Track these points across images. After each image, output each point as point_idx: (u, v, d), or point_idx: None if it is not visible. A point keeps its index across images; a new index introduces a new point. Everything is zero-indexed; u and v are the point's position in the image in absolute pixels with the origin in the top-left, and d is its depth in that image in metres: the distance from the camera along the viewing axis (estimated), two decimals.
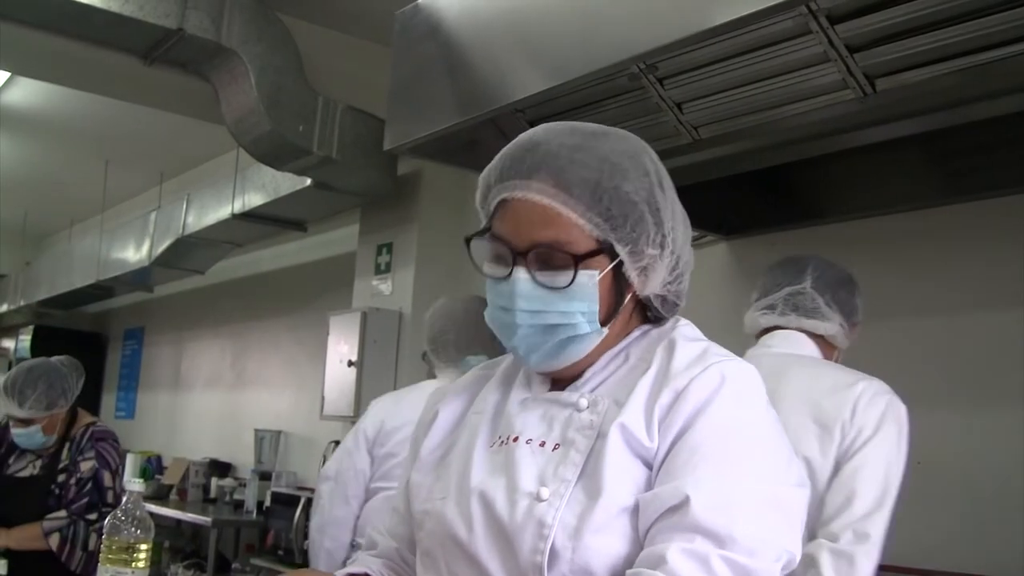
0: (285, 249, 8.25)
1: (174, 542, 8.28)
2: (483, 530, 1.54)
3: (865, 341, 3.62)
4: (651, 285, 1.62)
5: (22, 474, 4.21)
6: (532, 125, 3.57)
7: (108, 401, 11.57)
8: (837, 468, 2.44)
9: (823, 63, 2.81)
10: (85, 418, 4.36)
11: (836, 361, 2.81)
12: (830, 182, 3.75)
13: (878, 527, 2.37)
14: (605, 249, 1.55)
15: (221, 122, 5.50)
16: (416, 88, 3.33)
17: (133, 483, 2.38)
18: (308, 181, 6.00)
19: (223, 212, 7.19)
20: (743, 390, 1.53)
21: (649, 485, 1.47)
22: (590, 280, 1.55)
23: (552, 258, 1.55)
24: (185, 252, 8.14)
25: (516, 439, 1.60)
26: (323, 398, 6.14)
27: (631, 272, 1.59)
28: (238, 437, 8.35)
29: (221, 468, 8.34)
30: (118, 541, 2.30)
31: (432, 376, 3.76)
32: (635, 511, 1.45)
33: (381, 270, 6.20)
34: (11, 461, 4.23)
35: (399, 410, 3.61)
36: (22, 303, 11.38)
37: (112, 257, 9.09)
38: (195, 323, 9.80)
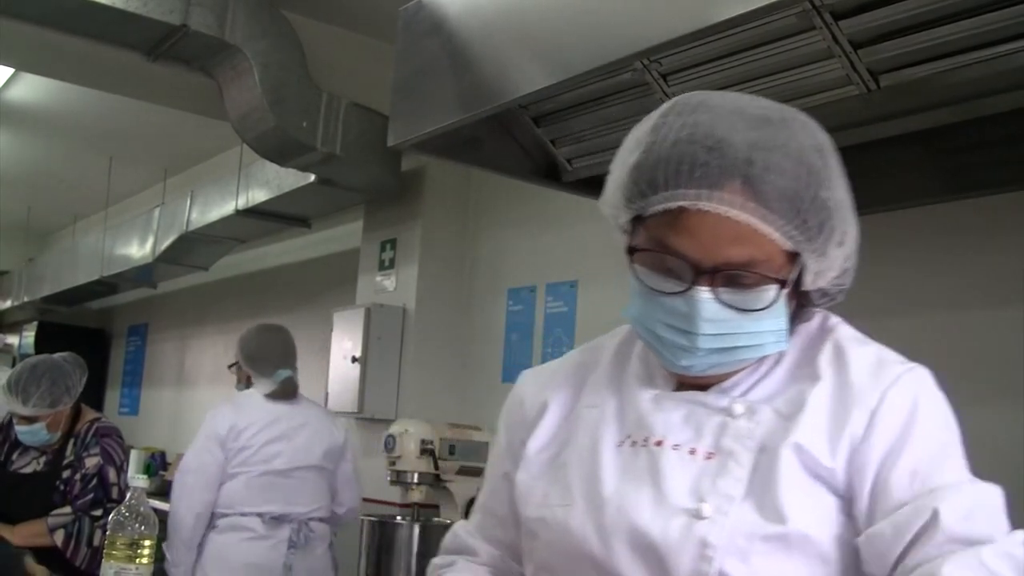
0: (289, 245, 8.25)
1: None
2: (625, 547, 1.37)
3: (870, 337, 3.62)
4: (820, 281, 1.45)
5: (26, 471, 4.21)
6: (536, 121, 3.63)
7: (112, 397, 11.58)
8: None
9: (827, 59, 2.81)
10: (89, 414, 4.37)
11: None
12: None
13: None
14: (794, 260, 1.40)
15: (225, 118, 5.50)
16: (419, 84, 3.33)
17: (137, 479, 2.39)
18: (312, 177, 6.00)
19: (227, 208, 7.19)
20: (933, 395, 1.43)
21: (840, 512, 1.36)
22: (781, 296, 1.40)
23: (742, 276, 1.37)
24: (189, 248, 8.14)
25: (660, 443, 1.42)
26: (327, 394, 6.14)
27: (809, 274, 1.43)
28: None
29: None
30: (122, 537, 2.31)
31: (250, 385, 5.01)
32: (817, 542, 1.33)
33: (385, 266, 6.20)
34: (15, 458, 4.24)
35: (243, 413, 4.70)
36: (26, 299, 11.38)
37: (116, 253, 9.09)
38: (199, 319, 9.80)
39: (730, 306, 1.37)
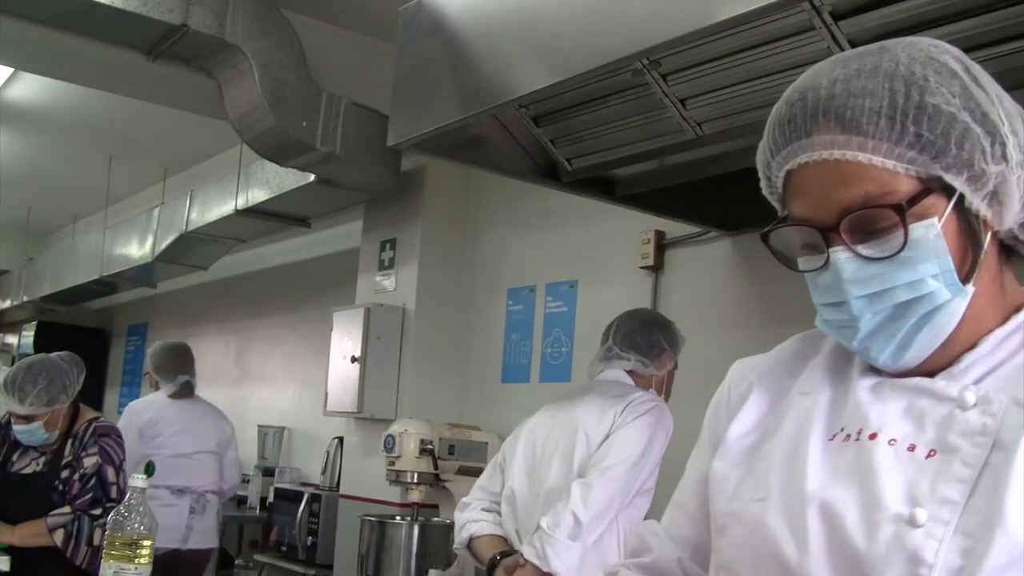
0: (289, 245, 8.25)
1: None
2: (823, 554, 1.18)
3: None
4: (1010, 212, 1.23)
5: (26, 471, 4.20)
6: (535, 121, 3.63)
7: (111, 397, 11.59)
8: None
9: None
10: (87, 414, 4.36)
11: (659, 382, 3.63)
12: None
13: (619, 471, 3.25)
14: (935, 187, 1.20)
15: (225, 118, 5.50)
16: (419, 84, 3.33)
17: (136, 479, 2.39)
18: (312, 177, 6.00)
19: (227, 208, 7.19)
20: None
21: None
22: (930, 231, 1.19)
23: (872, 221, 1.20)
24: (188, 248, 8.15)
25: (874, 436, 1.21)
26: (327, 394, 6.15)
27: (978, 205, 1.21)
28: (242, 433, 8.32)
29: None
30: (121, 537, 2.31)
31: (157, 388, 6.05)
32: None
33: (385, 266, 6.20)
34: (15, 458, 4.23)
35: (155, 410, 5.81)
36: (25, 299, 11.39)
37: (115, 253, 9.09)
38: (198, 319, 9.81)
39: (872, 259, 1.21)
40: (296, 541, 6.15)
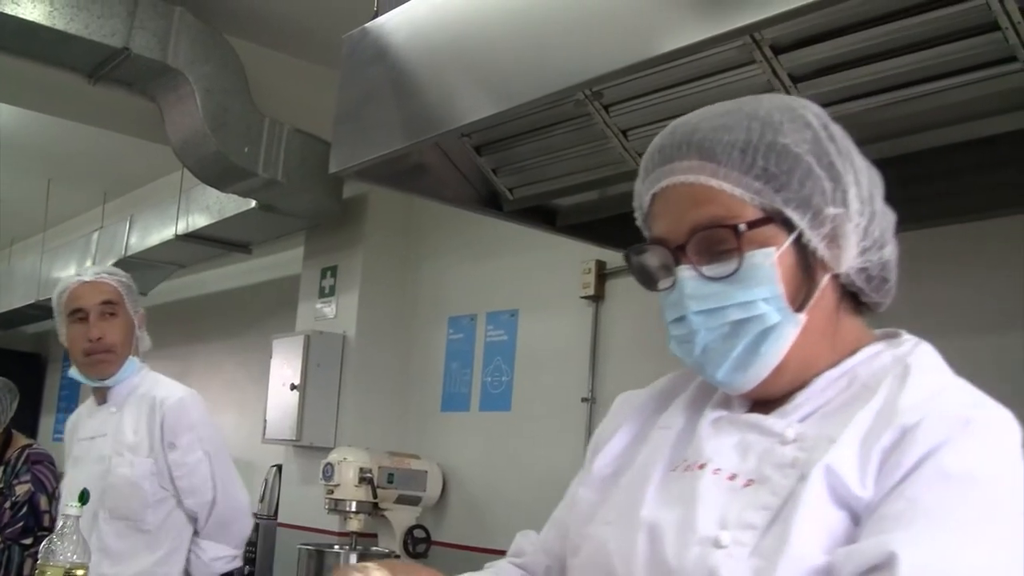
0: (229, 271, 8.20)
1: None
2: (644, 571, 1.30)
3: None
4: (846, 256, 1.34)
5: None
6: (478, 150, 3.64)
7: (47, 423, 11.43)
8: None
9: (767, 93, 2.84)
10: (20, 440, 4.31)
11: None
12: None
13: None
14: (776, 219, 1.32)
15: (166, 142, 5.47)
16: (362, 111, 3.33)
17: (70, 507, 2.35)
18: (253, 203, 5.98)
19: (167, 233, 7.15)
20: (993, 439, 1.21)
21: (850, 541, 1.19)
22: (766, 259, 1.30)
23: (716, 243, 1.32)
24: (128, 273, 8.06)
25: (702, 466, 1.34)
26: (265, 421, 6.11)
27: (816, 242, 1.33)
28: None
29: None
30: (53, 567, 2.27)
31: None
32: (827, 572, 1.17)
33: (325, 293, 6.18)
34: None
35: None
36: None
37: (53, 277, 8.98)
38: None
39: (712, 277, 1.32)
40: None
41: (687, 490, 1.33)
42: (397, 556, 4.91)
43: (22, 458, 4.19)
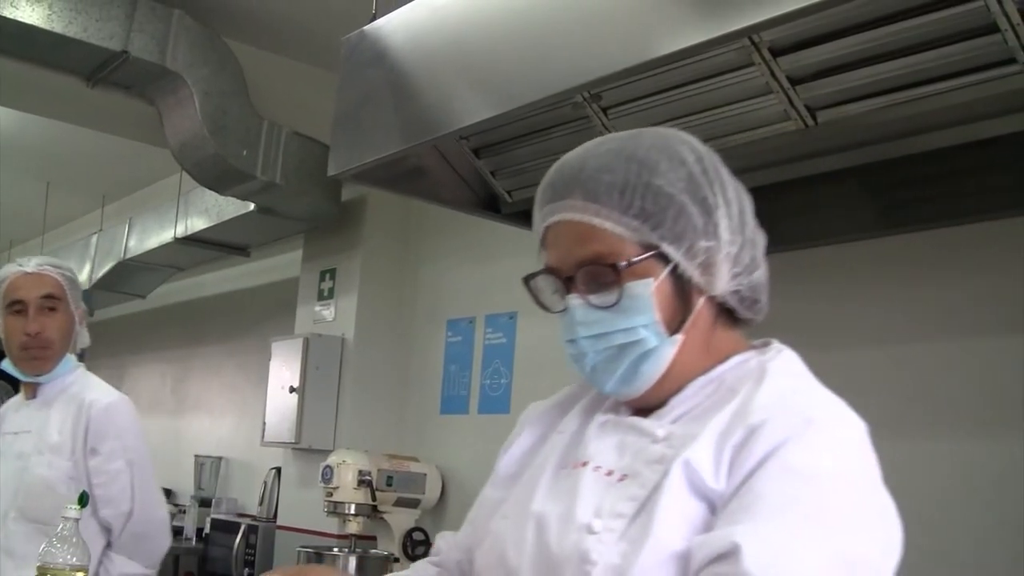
0: (228, 274, 8.20)
1: None
2: (531, 558, 1.45)
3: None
4: (718, 281, 1.49)
5: None
6: (476, 152, 3.65)
7: None
8: None
9: (765, 95, 2.85)
10: None
11: None
12: (771, 212, 3.77)
13: None
14: (654, 253, 1.45)
15: (164, 145, 5.46)
16: (361, 114, 3.33)
17: (69, 510, 2.35)
18: (252, 206, 5.97)
19: (165, 236, 7.15)
20: (832, 438, 1.35)
21: (708, 528, 1.32)
22: (644, 290, 1.45)
23: (600, 275, 1.47)
24: (127, 276, 8.08)
25: (585, 464, 1.50)
26: (264, 424, 6.10)
27: (691, 272, 1.47)
28: (178, 463, 8.27)
29: None
30: (53, 569, 2.27)
31: None
32: (687, 557, 1.30)
33: (324, 296, 6.18)
34: None
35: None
36: None
37: None
38: (136, 348, 9.71)
39: (598, 306, 1.47)
40: (232, 572, 6.08)
41: (571, 485, 1.48)
42: (396, 559, 4.91)
43: None
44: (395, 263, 6.05)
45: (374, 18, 3.31)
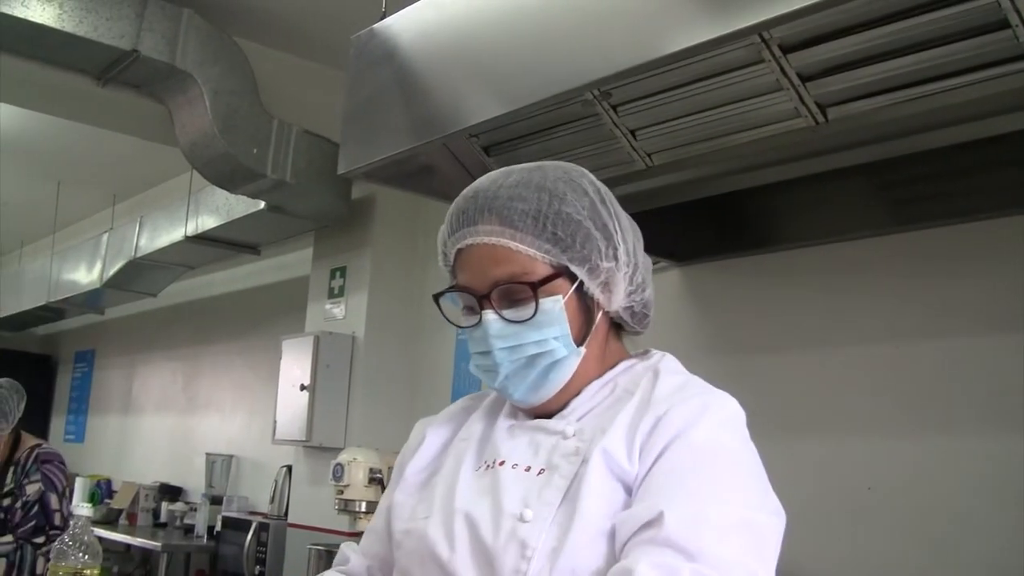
0: (238, 272, 8.22)
1: (123, 567, 8.20)
2: (466, 550, 1.55)
3: (814, 368, 3.64)
4: (616, 298, 1.68)
5: None
6: (486, 150, 3.64)
7: (57, 424, 11.46)
8: None
9: (775, 92, 2.84)
10: (29, 441, 4.32)
11: None
12: (782, 209, 3.78)
13: None
14: (562, 272, 1.62)
15: (175, 144, 5.47)
16: (370, 112, 3.33)
17: (81, 507, 2.36)
18: (262, 204, 5.98)
19: (176, 234, 7.16)
20: (724, 418, 1.57)
21: (627, 507, 1.49)
22: (555, 305, 1.61)
23: (514, 293, 1.61)
24: (137, 274, 8.09)
25: (502, 463, 1.63)
26: (275, 422, 6.11)
27: (594, 289, 1.65)
28: (189, 461, 8.29)
29: (172, 492, 8.27)
30: (65, 567, 2.27)
31: None
32: (612, 534, 1.47)
33: (334, 294, 6.18)
34: None
35: None
36: None
37: (63, 279, 9.01)
38: (147, 346, 9.73)
39: (512, 320, 1.62)
40: (244, 570, 6.09)
41: (492, 483, 1.61)
42: None
43: (31, 458, 4.19)
44: (405, 261, 6.06)
45: (383, 16, 3.31)
